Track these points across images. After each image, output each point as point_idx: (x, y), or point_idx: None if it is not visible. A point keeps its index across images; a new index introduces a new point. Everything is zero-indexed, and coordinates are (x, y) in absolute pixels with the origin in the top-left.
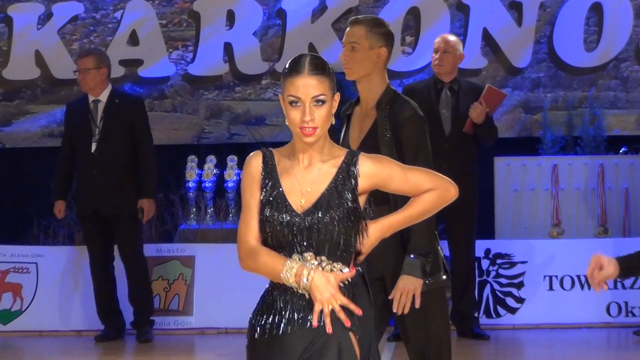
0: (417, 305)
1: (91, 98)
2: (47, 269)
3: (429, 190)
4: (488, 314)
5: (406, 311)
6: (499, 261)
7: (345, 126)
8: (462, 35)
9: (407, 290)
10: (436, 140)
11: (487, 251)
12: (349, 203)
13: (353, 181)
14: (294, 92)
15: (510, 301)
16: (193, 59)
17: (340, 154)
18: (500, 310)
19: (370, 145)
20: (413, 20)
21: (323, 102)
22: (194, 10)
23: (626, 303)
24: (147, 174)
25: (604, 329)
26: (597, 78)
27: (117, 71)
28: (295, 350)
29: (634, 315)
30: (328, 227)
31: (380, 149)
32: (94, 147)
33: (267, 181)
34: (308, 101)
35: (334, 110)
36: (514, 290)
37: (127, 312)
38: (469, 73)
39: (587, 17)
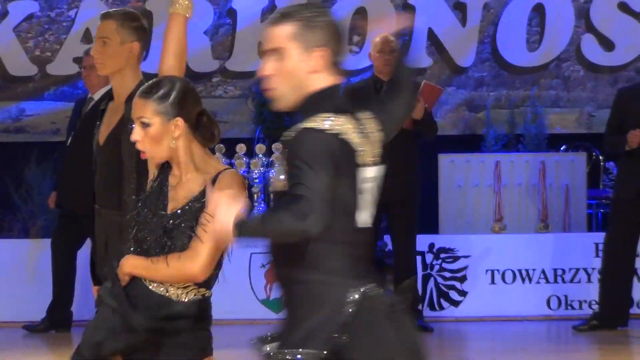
0: None
1: (89, 95)
2: (1, 262)
3: None
4: (432, 307)
5: None
6: (442, 255)
7: (99, 122)
8: (408, 35)
9: None
10: None
11: (431, 245)
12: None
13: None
14: None
15: (453, 294)
16: (145, 57)
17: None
18: (444, 303)
19: (114, 140)
20: (360, 20)
21: None
22: (146, 9)
23: (566, 296)
24: None
25: (544, 321)
26: (539, 77)
27: (71, 69)
28: None
29: (573, 308)
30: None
31: (123, 143)
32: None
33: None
34: None
35: None
36: (457, 284)
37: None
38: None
39: (530, 17)
